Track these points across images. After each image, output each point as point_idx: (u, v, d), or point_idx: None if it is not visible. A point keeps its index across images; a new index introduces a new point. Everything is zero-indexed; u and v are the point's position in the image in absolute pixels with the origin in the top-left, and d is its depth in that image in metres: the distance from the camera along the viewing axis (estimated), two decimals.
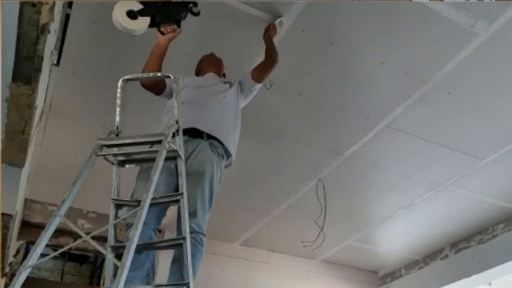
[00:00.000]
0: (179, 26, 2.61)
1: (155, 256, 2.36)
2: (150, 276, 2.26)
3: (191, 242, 2.10)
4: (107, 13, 2.88)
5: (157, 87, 2.66)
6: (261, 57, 3.18)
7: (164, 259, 3.88)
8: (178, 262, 2.17)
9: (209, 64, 2.97)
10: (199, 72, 3.00)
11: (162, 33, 2.59)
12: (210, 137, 2.51)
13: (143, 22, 2.48)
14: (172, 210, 2.33)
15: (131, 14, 2.42)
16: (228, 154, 2.60)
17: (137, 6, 2.46)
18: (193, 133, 2.46)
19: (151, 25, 2.52)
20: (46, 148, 4.01)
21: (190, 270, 1.97)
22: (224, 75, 3.00)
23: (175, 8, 2.57)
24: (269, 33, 2.86)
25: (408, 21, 2.90)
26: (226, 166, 2.64)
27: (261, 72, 2.81)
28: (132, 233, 1.71)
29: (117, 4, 2.45)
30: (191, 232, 2.13)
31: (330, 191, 4.42)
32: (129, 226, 2.23)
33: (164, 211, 2.38)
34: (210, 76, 2.90)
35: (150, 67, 2.57)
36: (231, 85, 2.79)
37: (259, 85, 2.85)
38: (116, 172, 2.23)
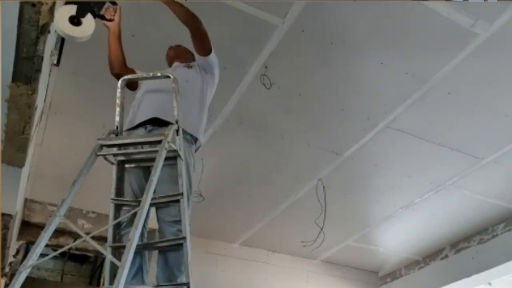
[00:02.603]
0: (115, 3, 2.62)
1: (146, 254, 2.35)
2: (143, 272, 2.26)
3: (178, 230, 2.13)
4: None
5: (133, 85, 2.66)
6: (260, 58, 3.20)
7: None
8: (164, 255, 2.19)
9: (172, 56, 2.87)
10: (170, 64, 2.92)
11: (110, 20, 2.63)
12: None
13: (89, 24, 2.43)
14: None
15: (74, 21, 2.37)
16: (195, 139, 2.50)
17: (73, 9, 2.39)
18: (157, 123, 2.39)
19: (94, 17, 2.48)
20: (46, 148, 4.01)
21: (190, 269, 1.97)
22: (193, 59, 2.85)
23: None
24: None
25: (408, 21, 2.90)
26: (195, 150, 2.55)
27: (197, 45, 2.61)
28: (132, 233, 1.71)
29: (56, 17, 2.38)
30: (176, 221, 2.13)
31: (330, 191, 4.42)
32: (123, 225, 2.22)
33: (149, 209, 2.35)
34: (173, 66, 2.79)
35: (115, 56, 2.66)
36: (190, 67, 2.68)
37: (210, 57, 2.66)
38: (116, 172, 2.24)
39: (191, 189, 2.40)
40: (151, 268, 2.34)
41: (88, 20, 2.41)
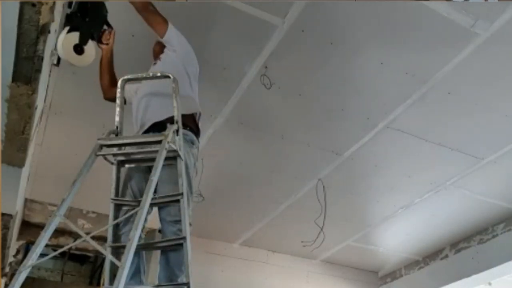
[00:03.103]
0: (109, 25, 2.65)
1: (144, 254, 2.36)
2: (141, 272, 2.26)
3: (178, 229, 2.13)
4: (107, 13, 2.88)
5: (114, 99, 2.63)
6: (260, 58, 3.20)
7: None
8: (166, 255, 2.20)
9: (157, 51, 2.85)
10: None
11: (106, 44, 2.70)
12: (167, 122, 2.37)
13: (91, 51, 2.51)
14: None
15: (78, 49, 2.42)
16: (193, 140, 2.52)
17: (76, 36, 2.45)
18: (157, 127, 2.41)
19: (93, 39, 2.54)
20: (46, 148, 4.01)
21: (190, 269, 1.97)
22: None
23: (96, 10, 2.54)
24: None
25: (408, 21, 2.90)
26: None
27: (153, 30, 2.66)
28: (132, 233, 1.72)
29: (60, 47, 2.42)
30: (177, 221, 2.14)
31: (330, 191, 4.42)
32: (121, 224, 2.22)
33: (150, 209, 2.35)
34: (152, 67, 2.78)
35: (108, 81, 2.76)
36: (160, 59, 2.72)
37: (167, 36, 2.65)
38: (116, 172, 2.24)
39: (191, 189, 2.41)
40: (152, 268, 2.34)
41: (90, 47, 2.48)
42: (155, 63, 2.76)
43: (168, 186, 2.21)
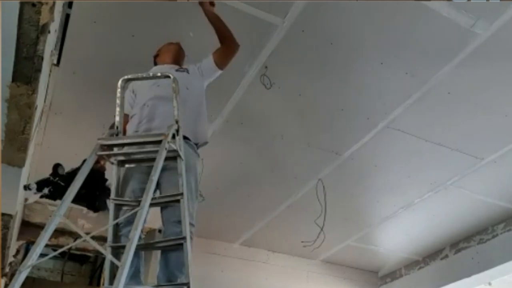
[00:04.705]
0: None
1: (143, 254, 2.36)
2: (140, 272, 2.26)
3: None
4: (107, 13, 2.89)
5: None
6: (260, 58, 3.19)
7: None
8: (165, 255, 2.19)
9: (170, 53, 2.82)
10: (156, 56, 2.88)
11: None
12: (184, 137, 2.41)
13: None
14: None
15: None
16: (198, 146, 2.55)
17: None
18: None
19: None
20: (46, 148, 4.01)
21: (190, 269, 1.97)
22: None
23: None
24: (205, 4, 2.63)
25: (408, 21, 2.90)
26: (203, 145, 2.59)
27: (224, 58, 2.68)
28: (132, 233, 1.71)
29: None
30: (180, 221, 2.13)
31: (330, 191, 4.42)
32: (121, 225, 2.22)
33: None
34: (165, 68, 2.68)
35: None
36: (188, 72, 2.66)
37: (220, 72, 2.72)
38: (116, 172, 2.24)
39: (197, 194, 2.42)
40: (152, 268, 2.34)
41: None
42: (179, 70, 2.66)
43: (175, 188, 2.20)
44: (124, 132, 2.41)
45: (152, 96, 2.51)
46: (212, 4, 2.65)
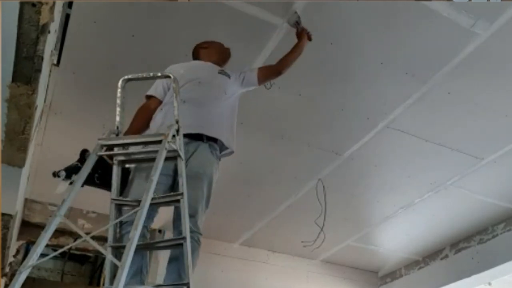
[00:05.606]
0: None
1: (147, 254, 2.35)
2: (143, 273, 2.25)
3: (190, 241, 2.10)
4: (107, 13, 2.89)
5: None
6: (260, 58, 3.19)
7: (164, 260, 3.88)
8: (175, 261, 2.17)
9: (221, 55, 2.88)
10: (203, 48, 2.88)
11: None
12: (210, 139, 2.49)
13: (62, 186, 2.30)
14: (169, 210, 2.32)
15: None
16: (225, 148, 2.59)
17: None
18: (194, 136, 2.44)
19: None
20: (46, 148, 4.01)
21: (190, 270, 1.97)
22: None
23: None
24: (305, 40, 2.86)
25: (408, 21, 2.90)
26: (227, 155, 2.64)
27: (267, 77, 2.82)
28: (132, 233, 1.71)
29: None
30: (190, 232, 2.12)
31: (330, 191, 4.42)
32: (124, 225, 2.21)
33: (156, 209, 2.36)
34: (208, 67, 2.74)
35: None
36: (229, 77, 2.71)
37: (255, 87, 2.84)
38: (116, 172, 2.23)
39: (208, 203, 2.49)
40: (152, 268, 2.33)
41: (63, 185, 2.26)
42: (221, 72, 2.71)
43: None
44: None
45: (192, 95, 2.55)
46: (309, 39, 2.88)
